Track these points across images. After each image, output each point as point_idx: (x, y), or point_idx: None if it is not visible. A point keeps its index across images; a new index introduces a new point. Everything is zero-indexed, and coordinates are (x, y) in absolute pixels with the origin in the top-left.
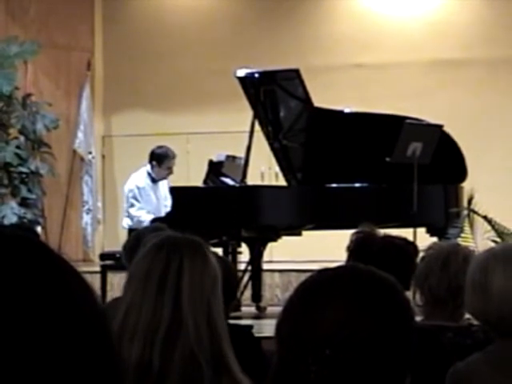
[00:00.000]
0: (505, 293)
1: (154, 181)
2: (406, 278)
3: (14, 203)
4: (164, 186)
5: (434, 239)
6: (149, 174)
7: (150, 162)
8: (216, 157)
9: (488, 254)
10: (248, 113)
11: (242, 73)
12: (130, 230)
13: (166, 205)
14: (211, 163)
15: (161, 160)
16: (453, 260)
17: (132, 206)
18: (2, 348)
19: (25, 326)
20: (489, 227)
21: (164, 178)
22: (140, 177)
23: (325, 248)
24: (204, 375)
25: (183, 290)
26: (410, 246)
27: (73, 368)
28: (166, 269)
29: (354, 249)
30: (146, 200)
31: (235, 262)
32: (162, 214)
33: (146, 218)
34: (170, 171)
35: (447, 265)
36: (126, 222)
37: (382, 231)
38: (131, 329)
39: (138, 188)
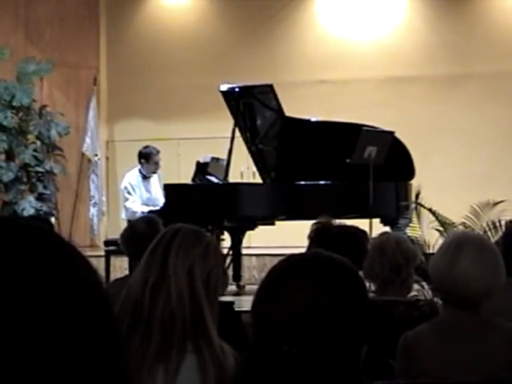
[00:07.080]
0: (467, 271)
1: (145, 177)
2: (359, 259)
3: (31, 198)
4: (155, 182)
5: (387, 228)
6: (140, 171)
7: (139, 161)
8: (202, 158)
9: (457, 239)
10: (230, 121)
11: (224, 87)
12: (129, 221)
13: (158, 198)
14: (198, 164)
15: (148, 157)
16: (387, 246)
17: (126, 199)
18: (20, 320)
19: (37, 301)
20: (433, 218)
21: (154, 172)
22: (132, 175)
23: (294, 235)
24: (176, 334)
25: (172, 249)
26: (361, 233)
27: (77, 333)
28: (163, 235)
29: (313, 237)
30: (138, 194)
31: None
32: (156, 205)
33: (139, 209)
34: (157, 165)
35: (383, 251)
36: (123, 214)
37: (341, 221)
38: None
39: (131, 184)
